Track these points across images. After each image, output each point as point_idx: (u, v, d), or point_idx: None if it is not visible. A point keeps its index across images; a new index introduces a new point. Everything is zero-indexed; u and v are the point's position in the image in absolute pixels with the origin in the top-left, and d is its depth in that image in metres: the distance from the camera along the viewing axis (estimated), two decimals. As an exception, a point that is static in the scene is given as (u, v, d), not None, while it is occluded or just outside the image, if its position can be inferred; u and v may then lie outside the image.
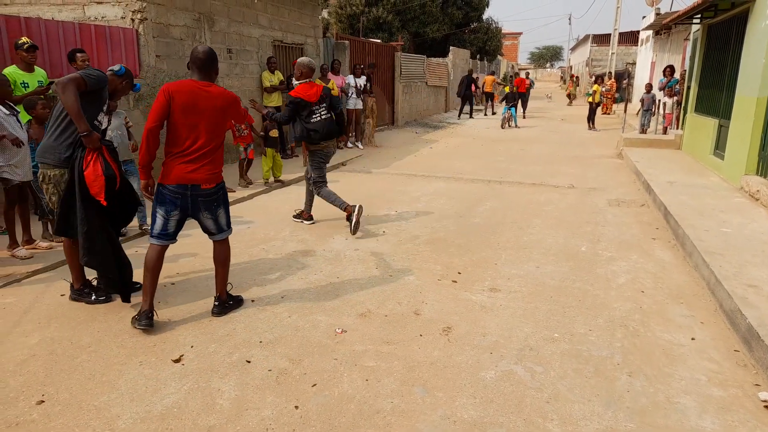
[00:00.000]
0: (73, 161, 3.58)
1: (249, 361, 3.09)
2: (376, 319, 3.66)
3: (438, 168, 9.51)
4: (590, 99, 16.44)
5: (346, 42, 12.99)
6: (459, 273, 4.53)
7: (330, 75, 11.26)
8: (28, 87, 5.24)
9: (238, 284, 4.17)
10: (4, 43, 5.79)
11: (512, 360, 3.15)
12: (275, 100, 9.97)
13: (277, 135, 7.84)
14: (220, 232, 3.65)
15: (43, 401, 2.68)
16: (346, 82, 11.42)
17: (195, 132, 3.37)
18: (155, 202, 3.45)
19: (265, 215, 6.30)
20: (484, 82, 21.74)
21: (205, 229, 3.63)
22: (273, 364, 3.06)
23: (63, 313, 3.68)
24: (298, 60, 5.58)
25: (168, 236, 3.50)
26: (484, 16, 30.30)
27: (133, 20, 7.42)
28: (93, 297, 3.87)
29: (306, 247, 5.18)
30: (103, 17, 7.50)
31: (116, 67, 3.83)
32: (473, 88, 19.62)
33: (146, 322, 3.40)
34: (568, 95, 29.48)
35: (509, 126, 16.51)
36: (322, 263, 4.74)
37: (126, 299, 3.82)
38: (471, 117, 19.74)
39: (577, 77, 33.27)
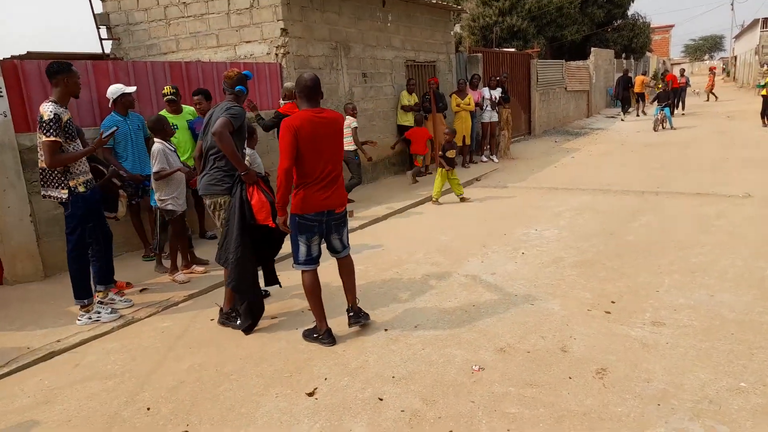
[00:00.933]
0: (234, 191, 3.88)
1: (381, 399, 2.96)
2: (517, 355, 3.33)
3: (582, 179, 8.79)
4: (764, 92, 14.25)
5: (479, 55, 12.70)
6: (612, 302, 4.01)
7: (468, 90, 11.04)
8: (177, 129, 5.72)
9: (371, 310, 4.09)
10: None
11: (686, 415, 2.63)
12: (409, 119, 9.99)
13: (454, 155, 7.88)
14: (344, 249, 3.83)
15: (187, 431, 2.79)
16: (482, 95, 11.13)
17: (323, 159, 3.49)
18: (296, 232, 3.59)
19: (396, 237, 6.23)
20: (633, 83, 20.03)
21: (332, 249, 3.80)
22: (406, 404, 2.89)
23: (212, 339, 3.87)
24: (285, 84, 6.49)
25: (314, 260, 3.68)
26: (629, 12, 28.06)
27: (276, 55, 7.91)
28: (239, 321, 4.05)
29: (440, 270, 4.99)
30: (251, 54, 8.09)
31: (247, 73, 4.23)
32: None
33: (329, 340, 3.66)
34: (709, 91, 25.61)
35: (663, 128, 14.91)
36: (456, 288, 4.51)
37: (249, 330, 3.95)
38: (622, 119, 18.32)
39: (713, 69, 28.55)
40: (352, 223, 6.70)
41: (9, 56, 8.69)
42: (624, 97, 18.62)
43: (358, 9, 9.15)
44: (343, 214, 3.72)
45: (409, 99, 9.95)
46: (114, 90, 5.31)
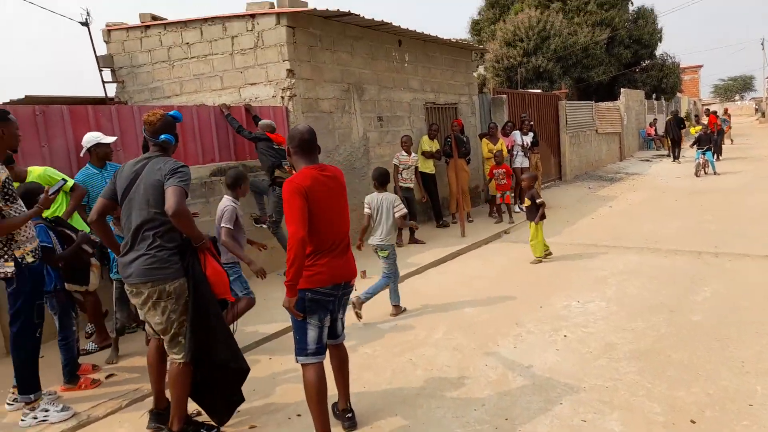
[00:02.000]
0: (188, 268, 3.02)
1: None
2: None
3: (625, 234, 7.80)
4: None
5: (503, 96, 11.98)
6: (693, 422, 3.02)
7: (500, 136, 10.24)
8: None
9: (379, 416, 3.20)
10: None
11: None
12: (430, 166, 9.20)
13: (543, 203, 6.84)
14: (342, 333, 3.24)
15: None
16: (514, 141, 10.32)
17: (334, 223, 2.99)
18: (306, 313, 2.92)
19: (414, 305, 5.33)
20: (685, 123, 19.14)
21: (332, 333, 3.14)
22: None
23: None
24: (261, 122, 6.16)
25: (324, 349, 3.02)
26: (657, 52, 27.35)
27: (282, 98, 7.26)
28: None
29: (462, 357, 4.06)
30: (256, 98, 7.47)
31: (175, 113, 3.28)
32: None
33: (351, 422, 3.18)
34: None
35: (705, 173, 13.84)
36: (483, 387, 3.57)
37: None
38: (674, 160, 17.45)
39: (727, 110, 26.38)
40: (364, 288, 5.85)
41: (8, 101, 8.25)
42: (676, 138, 17.83)
43: (372, 49, 8.53)
44: (353, 287, 3.20)
45: (430, 144, 9.19)
46: (88, 139, 4.64)
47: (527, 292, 5.49)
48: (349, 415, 3.20)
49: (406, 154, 8.24)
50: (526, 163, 10.34)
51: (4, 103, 8.26)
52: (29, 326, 3.29)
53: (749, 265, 5.92)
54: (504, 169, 9.29)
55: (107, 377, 3.95)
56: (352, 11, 7.51)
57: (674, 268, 6.00)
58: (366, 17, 7.82)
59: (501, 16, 26.65)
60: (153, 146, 3.11)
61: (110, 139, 4.71)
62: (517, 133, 10.46)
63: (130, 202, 3.01)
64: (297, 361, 3.00)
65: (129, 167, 3.08)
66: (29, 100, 7.74)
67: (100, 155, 4.65)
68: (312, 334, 2.95)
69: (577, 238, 7.77)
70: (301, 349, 2.96)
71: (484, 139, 9.97)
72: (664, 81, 26.56)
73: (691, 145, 14.61)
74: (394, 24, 8.41)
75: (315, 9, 7.20)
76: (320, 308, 2.94)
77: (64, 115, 4.79)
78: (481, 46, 15.60)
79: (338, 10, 7.35)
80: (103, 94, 8.57)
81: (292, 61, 7.16)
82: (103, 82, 8.53)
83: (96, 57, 8.52)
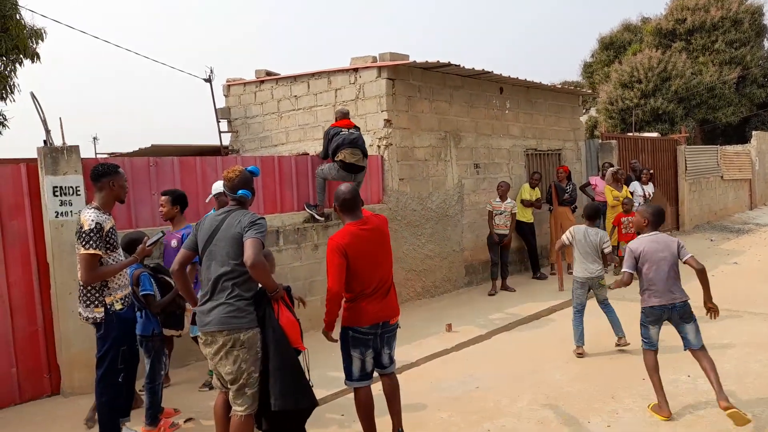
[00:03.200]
0: (263, 318, 3.15)
1: None
2: None
3: (752, 297, 6.91)
4: None
5: (613, 142, 11.33)
6: None
7: (596, 181, 9.68)
8: None
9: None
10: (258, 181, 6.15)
11: None
12: (527, 215, 8.88)
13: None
14: (391, 365, 3.59)
15: None
16: (631, 191, 9.65)
17: (375, 271, 3.38)
18: (349, 346, 3.39)
19: (497, 368, 5.03)
20: None
21: (379, 364, 3.54)
22: None
23: None
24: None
25: (369, 375, 3.47)
26: (796, 90, 24.64)
27: (379, 147, 7.43)
28: None
29: None
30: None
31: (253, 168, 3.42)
32: None
33: None
34: None
35: None
36: (569, 469, 3.24)
37: None
38: None
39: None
40: (446, 343, 5.68)
41: (137, 149, 9.26)
42: None
43: (471, 97, 8.52)
44: (395, 326, 3.55)
45: (530, 193, 8.88)
46: (215, 186, 4.67)
47: (629, 360, 5.00)
48: None
49: (499, 200, 8.06)
50: None
51: (134, 152, 9.29)
52: (113, 371, 3.51)
53: None
54: (633, 217, 8.64)
55: (186, 421, 4.10)
56: (452, 62, 7.58)
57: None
58: (466, 66, 7.85)
59: (616, 57, 25.64)
60: (231, 201, 3.29)
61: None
62: (636, 184, 9.78)
63: (210, 254, 3.16)
64: (346, 385, 3.50)
65: (210, 220, 3.26)
66: (155, 149, 8.62)
67: (221, 203, 4.85)
68: (357, 364, 3.41)
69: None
70: (348, 376, 3.47)
71: (607, 186, 9.39)
72: (807, 122, 23.78)
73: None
74: (494, 72, 8.36)
75: (415, 62, 7.37)
76: (361, 344, 3.38)
77: (175, 165, 5.24)
78: (588, 91, 14.98)
79: (438, 61, 7.45)
80: (218, 143, 9.33)
81: (390, 112, 7.33)
82: (219, 132, 9.29)
83: (215, 109, 9.33)
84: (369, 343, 3.39)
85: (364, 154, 6.31)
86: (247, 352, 3.09)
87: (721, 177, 15.65)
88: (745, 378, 4.46)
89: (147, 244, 3.65)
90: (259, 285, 3.17)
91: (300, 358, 3.31)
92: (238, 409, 3.11)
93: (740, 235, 12.39)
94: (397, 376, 4.88)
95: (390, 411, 3.53)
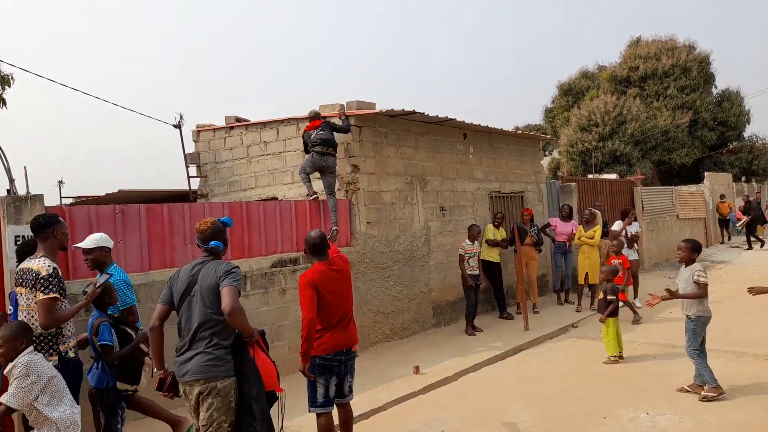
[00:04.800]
0: (240, 365, 3.25)
1: None
2: None
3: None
4: None
5: (572, 184, 11.79)
6: None
7: (555, 222, 10.06)
8: None
9: None
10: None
11: None
12: (494, 255, 9.09)
13: (615, 299, 6.58)
14: (350, 394, 4.01)
15: None
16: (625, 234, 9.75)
17: (340, 305, 3.86)
18: (316, 374, 3.76)
19: (462, 410, 5.09)
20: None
21: (340, 393, 3.92)
22: None
23: None
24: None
25: (331, 402, 3.86)
26: (746, 134, 26.16)
27: (347, 191, 7.58)
28: None
29: (514, 473, 3.79)
30: (322, 191, 7.83)
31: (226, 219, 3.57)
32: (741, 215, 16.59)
33: None
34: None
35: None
36: None
37: None
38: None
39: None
40: (416, 384, 5.71)
41: (104, 194, 9.20)
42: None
43: (436, 142, 8.81)
44: (356, 353, 4.02)
45: (495, 233, 9.11)
46: (95, 239, 4.12)
47: (591, 399, 5.11)
48: None
49: (470, 242, 8.23)
50: (633, 256, 9.60)
51: (99, 197, 9.24)
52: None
53: None
54: (621, 260, 8.60)
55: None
56: (417, 110, 7.86)
57: (762, 377, 5.40)
58: (431, 114, 8.15)
59: (575, 102, 26.81)
60: (204, 252, 3.39)
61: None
62: (618, 223, 10.00)
63: (189, 305, 3.25)
64: (309, 411, 3.87)
65: (185, 272, 3.35)
66: (122, 195, 8.60)
67: (96, 258, 4.18)
68: (320, 390, 3.80)
69: (653, 337, 7.23)
70: (312, 402, 3.83)
71: (579, 227, 9.61)
72: (755, 163, 25.17)
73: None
74: (457, 119, 8.69)
75: (381, 111, 7.63)
76: (327, 371, 3.79)
77: (141, 213, 5.25)
78: (547, 135, 15.59)
79: (403, 109, 7.72)
80: (187, 188, 9.34)
81: (357, 157, 7.52)
82: (188, 177, 9.31)
83: (184, 154, 9.39)
84: (334, 370, 3.82)
85: (333, 147, 7.04)
86: (221, 401, 3.16)
87: (677, 216, 16.31)
88: (701, 414, 4.62)
89: (96, 286, 3.67)
90: (236, 331, 3.27)
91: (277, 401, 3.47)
92: None
93: (697, 273, 12.83)
94: (365, 420, 4.94)
95: None
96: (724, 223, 18.24)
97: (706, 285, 5.09)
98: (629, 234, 9.78)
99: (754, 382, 5.25)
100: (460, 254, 8.26)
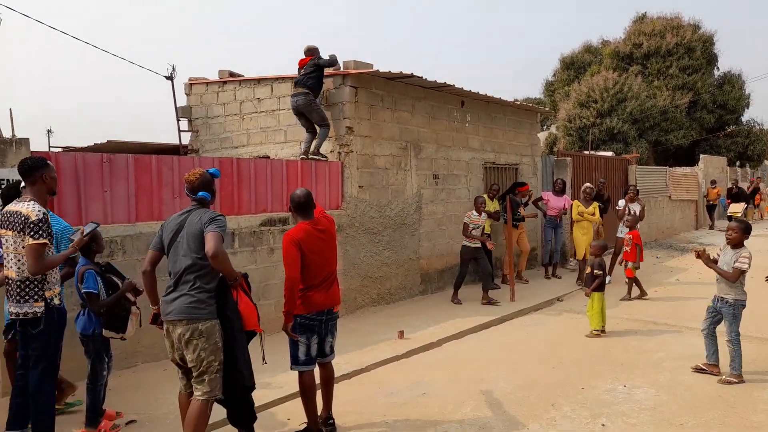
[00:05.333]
0: (224, 306, 3.39)
1: None
2: None
3: (689, 313, 7.26)
4: None
5: (567, 159, 11.73)
6: None
7: (548, 196, 10.04)
8: None
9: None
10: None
11: None
12: (486, 227, 9.08)
13: (602, 274, 6.50)
14: (331, 353, 4.03)
15: None
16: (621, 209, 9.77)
17: (324, 265, 3.85)
18: (297, 332, 3.77)
19: (444, 374, 5.14)
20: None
21: (321, 352, 3.93)
22: None
23: None
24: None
25: (313, 360, 3.87)
26: (744, 118, 26.09)
27: (339, 153, 7.49)
28: None
29: (490, 437, 3.85)
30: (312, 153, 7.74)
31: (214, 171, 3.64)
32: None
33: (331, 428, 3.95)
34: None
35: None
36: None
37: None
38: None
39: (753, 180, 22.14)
40: (400, 348, 5.76)
41: (92, 144, 9.05)
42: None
43: (433, 108, 8.69)
44: (337, 314, 4.04)
45: (489, 205, 9.09)
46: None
47: (570, 371, 5.18)
48: (330, 421, 3.97)
49: (477, 214, 8.06)
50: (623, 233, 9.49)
51: (88, 147, 9.08)
52: (53, 369, 3.45)
53: (830, 361, 5.31)
54: (631, 236, 8.30)
55: (128, 423, 4.04)
56: (415, 73, 7.71)
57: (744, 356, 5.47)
58: (429, 79, 8.00)
59: (576, 77, 26.52)
60: (192, 201, 3.48)
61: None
62: (621, 201, 9.96)
63: (176, 250, 3.38)
64: (291, 369, 3.87)
65: (173, 220, 3.47)
66: (111, 145, 8.46)
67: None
68: (302, 348, 3.80)
69: (636, 314, 7.31)
70: (294, 360, 3.84)
71: (575, 201, 9.53)
72: (750, 148, 25.20)
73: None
74: (456, 86, 8.55)
75: (378, 71, 7.46)
76: (309, 329, 3.79)
77: (129, 163, 5.16)
78: (545, 108, 15.41)
79: (401, 72, 7.57)
80: (177, 142, 9.20)
81: (352, 119, 7.41)
82: (179, 131, 9.17)
83: (176, 108, 9.21)
84: (315, 329, 3.82)
85: (308, 87, 7.05)
86: (205, 341, 3.29)
87: (669, 197, 16.36)
88: (677, 388, 4.70)
89: (84, 234, 3.62)
90: (220, 275, 3.38)
91: (256, 339, 3.64)
92: (197, 394, 3.32)
93: (684, 254, 12.97)
94: (348, 380, 4.99)
95: (323, 395, 3.98)
96: (711, 208, 18.28)
97: (743, 273, 4.93)
98: (631, 212, 9.74)
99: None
100: (465, 223, 8.08)
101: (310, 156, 7.20)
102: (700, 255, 5.11)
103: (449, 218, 9.05)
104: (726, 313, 4.96)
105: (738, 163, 24.82)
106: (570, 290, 8.81)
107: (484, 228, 8.26)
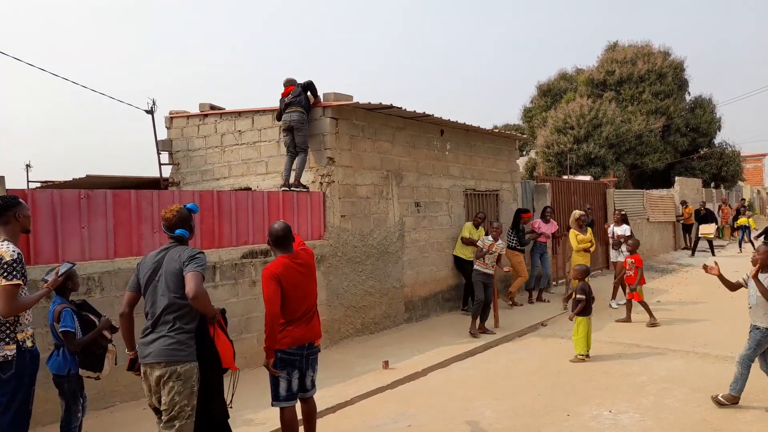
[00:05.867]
0: (202, 350, 3.33)
1: None
2: None
3: (672, 334, 7.34)
4: None
5: (547, 184, 11.91)
6: None
7: (539, 224, 10.17)
8: None
9: None
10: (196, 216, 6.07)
11: None
12: (468, 253, 9.14)
13: (584, 299, 6.44)
14: (312, 388, 3.98)
15: None
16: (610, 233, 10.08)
17: (304, 299, 3.81)
18: (279, 368, 3.72)
19: (430, 405, 5.09)
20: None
21: (302, 387, 3.88)
22: None
23: None
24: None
25: (294, 396, 3.82)
26: (716, 140, 26.81)
27: (321, 183, 7.51)
28: None
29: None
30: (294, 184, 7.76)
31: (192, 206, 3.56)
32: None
33: None
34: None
35: None
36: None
37: None
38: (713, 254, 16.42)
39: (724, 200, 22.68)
40: (385, 379, 5.70)
41: (70, 179, 8.96)
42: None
43: (413, 138, 8.80)
44: (318, 348, 3.98)
45: (472, 232, 9.14)
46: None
47: (556, 397, 5.17)
48: None
49: (492, 239, 7.80)
50: (620, 257, 9.65)
51: (67, 182, 8.99)
52: (25, 414, 3.34)
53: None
54: (634, 260, 8.30)
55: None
56: (394, 104, 7.83)
57: (721, 377, 5.51)
58: (408, 109, 8.12)
59: (553, 104, 27.09)
60: (169, 239, 3.41)
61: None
62: (612, 226, 10.16)
63: (154, 290, 3.30)
64: (273, 405, 3.82)
65: (150, 259, 3.39)
66: (90, 180, 8.38)
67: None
68: (283, 384, 3.76)
69: (618, 338, 7.35)
70: (275, 397, 3.79)
71: (572, 230, 9.42)
72: (724, 169, 25.83)
73: (758, 236, 13.88)
74: (435, 115, 8.68)
75: (358, 102, 7.56)
76: (289, 364, 3.75)
77: (108, 199, 5.11)
78: (524, 135, 15.67)
79: (380, 103, 7.68)
80: (158, 175, 9.16)
81: (333, 150, 7.46)
82: (160, 164, 9.14)
83: (156, 141, 9.19)
84: (296, 364, 3.78)
85: (302, 105, 7.28)
86: (182, 385, 3.20)
87: (648, 219, 16.63)
88: (661, 413, 4.71)
89: (58, 274, 3.57)
90: (199, 315, 3.33)
91: (227, 378, 3.55)
92: None
93: (664, 275, 13.14)
94: (332, 414, 4.91)
95: (306, 431, 3.97)
96: (688, 228, 18.53)
97: None
98: (615, 235, 9.92)
99: (714, 382, 5.37)
100: (479, 246, 7.80)
101: (292, 188, 7.22)
102: (710, 270, 4.92)
103: (432, 245, 9.09)
104: (752, 337, 4.74)
105: (713, 184, 25.38)
106: (553, 314, 8.84)
107: (499, 255, 7.92)
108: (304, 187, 7.29)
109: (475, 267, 7.82)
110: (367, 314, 7.83)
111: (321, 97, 7.64)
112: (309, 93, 7.46)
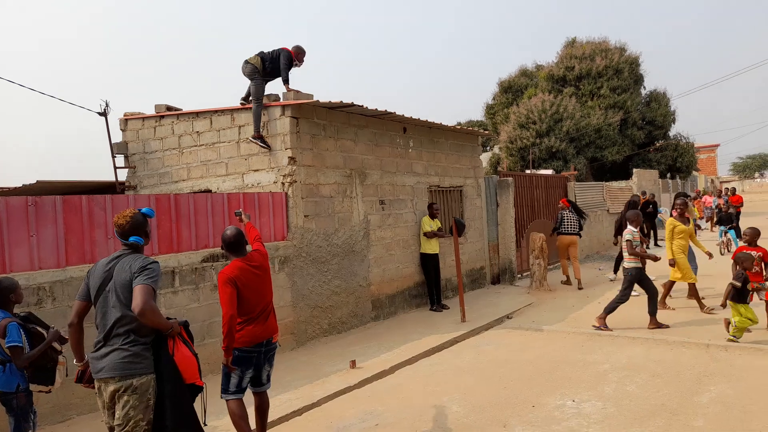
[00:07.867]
0: (156, 361, 3.15)
1: None
2: None
3: (633, 321, 7.51)
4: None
5: (509, 179, 12.06)
6: None
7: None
8: None
9: None
10: (153, 220, 5.91)
11: None
12: (433, 246, 9.19)
13: None
14: (267, 383, 4.13)
15: None
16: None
17: (259, 298, 3.97)
18: (236, 365, 3.86)
19: (398, 402, 5.08)
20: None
21: (257, 382, 4.06)
22: None
23: None
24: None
25: (243, 390, 3.98)
26: (671, 133, 27.67)
27: (283, 183, 7.41)
28: None
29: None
30: (258, 183, 7.64)
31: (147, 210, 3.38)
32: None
33: None
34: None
35: (728, 251, 13.50)
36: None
37: None
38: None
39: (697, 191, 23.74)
40: (352, 378, 5.66)
41: (21, 185, 8.59)
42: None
43: (376, 136, 8.77)
44: (276, 344, 4.12)
45: (431, 224, 9.23)
46: None
47: (520, 389, 5.23)
48: None
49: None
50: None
51: (15, 188, 8.62)
52: None
53: (762, 361, 5.58)
54: (760, 253, 6.71)
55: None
56: (355, 102, 7.77)
57: (680, 363, 5.69)
58: (370, 107, 8.07)
59: (514, 100, 27.48)
60: (123, 246, 3.24)
61: None
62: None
63: (104, 301, 3.13)
64: (221, 398, 3.96)
65: (101, 267, 3.21)
66: (41, 186, 8.06)
67: None
68: (234, 380, 3.91)
69: (581, 326, 7.49)
70: (224, 390, 3.94)
71: (670, 218, 8.71)
72: (679, 160, 26.66)
73: (714, 225, 14.37)
74: (398, 113, 8.67)
75: (318, 101, 7.48)
76: (245, 362, 3.90)
77: (57, 205, 4.91)
78: (486, 131, 15.85)
79: (341, 101, 7.61)
80: (114, 179, 8.88)
81: (294, 149, 7.36)
82: (115, 168, 8.86)
83: (110, 144, 8.90)
84: (252, 361, 3.94)
85: (262, 64, 7.69)
86: (137, 399, 3.05)
87: (608, 211, 17.04)
88: (623, 399, 4.81)
89: None
90: None
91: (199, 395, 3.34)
92: None
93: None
94: (298, 417, 4.85)
95: (258, 425, 4.08)
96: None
97: None
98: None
99: (673, 368, 5.52)
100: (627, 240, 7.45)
101: (251, 140, 7.48)
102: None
103: (397, 243, 9.08)
104: None
105: (669, 175, 26.19)
106: (519, 307, 8.95)
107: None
108: (264, 141, 7.43)
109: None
110: (333, 314, 7.77)
111: (280, 97, 7.54)
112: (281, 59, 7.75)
